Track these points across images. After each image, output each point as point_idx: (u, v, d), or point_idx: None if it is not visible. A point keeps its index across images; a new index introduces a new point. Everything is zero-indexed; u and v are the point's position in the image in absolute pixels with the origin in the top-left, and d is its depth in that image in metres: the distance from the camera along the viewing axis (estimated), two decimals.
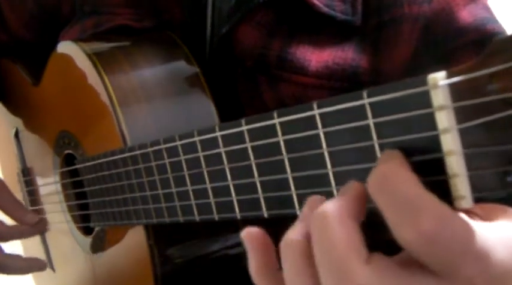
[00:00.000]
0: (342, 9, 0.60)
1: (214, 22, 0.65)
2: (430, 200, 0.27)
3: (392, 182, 0.28)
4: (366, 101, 0.31)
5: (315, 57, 0.60)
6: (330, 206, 0.30)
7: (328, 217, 0.30)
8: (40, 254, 0.87)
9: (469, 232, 0.27)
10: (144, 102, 0.61)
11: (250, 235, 0.35)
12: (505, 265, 0.28)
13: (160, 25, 0.67)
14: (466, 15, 0.59)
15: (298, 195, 0.37)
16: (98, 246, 0.70)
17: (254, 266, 0.35)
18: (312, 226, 0.31)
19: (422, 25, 0.59)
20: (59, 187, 0.76)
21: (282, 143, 0.36)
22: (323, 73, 0.60)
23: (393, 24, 0.59)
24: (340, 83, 0.60)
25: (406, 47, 0.59)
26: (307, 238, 0.31)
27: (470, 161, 0.27)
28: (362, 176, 0.32)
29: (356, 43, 0.60)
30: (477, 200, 0.28)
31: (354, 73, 0.60)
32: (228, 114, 0.62)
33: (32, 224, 0.73)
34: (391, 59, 0.60)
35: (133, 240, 0.62)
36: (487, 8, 0.61)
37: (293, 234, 0.32)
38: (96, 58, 0.63)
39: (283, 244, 0.32)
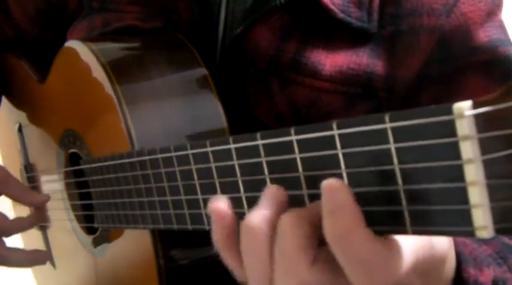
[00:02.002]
0: (357, 16, 0.60)
1: (227, 23, 0.65)
2: (381, 258, 0.33)
3: (350, 242, 0.33)
4: (388, 125, 0.31)
5: (329, 62, 0.60)
6: (290, 214, 0.36)
7: (288, 221, 0.36)
8: None
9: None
10: (152, 102, 0.61)
11: (216, 209, 0.40)
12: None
13: (169, 25, 0.67)
14: (482, 35, 0.59)
15: None
16: (100, 246, 0.70)
17: (218, 237, 0.41)
18: (278, 226, 0.36)
19: (438, 37, 0.59)
20: (62, 185, 0.76)
21: (298, 160, 0.36)
22: (337, 78, 0.60)
23: (411, 34, 0.60)
24: (354, 88, 0.60)
25: (421, 56, 0.60)
26: (270, 228, 0.37)
27: (493, 193, 0.27)
28: (381, 198, 0.32)
29: (371, 49, 0.61)
30: (499, 231, 0.28)
31: (368, 80, 0.60)
32: (236, 116, 0.62)
33: (43, 205, 0.74)
34: (406, 67, 0.60)
35: (138, 241, 0.62)
36: (502, 27, 0.62)
37: (256, 219, 0.37)
38: (105, 59, 0.62)
39: (246, 224, 0.38)
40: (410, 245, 0.35)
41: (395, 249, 0.34)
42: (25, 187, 0.76)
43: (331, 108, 0.61)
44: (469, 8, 0.60)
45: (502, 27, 0.62)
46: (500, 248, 0.51)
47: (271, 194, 0.38)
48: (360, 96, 0.61)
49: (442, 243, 0.40)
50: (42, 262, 0.76)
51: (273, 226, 0.37)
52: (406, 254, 0.35)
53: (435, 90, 0.61)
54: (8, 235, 0.72)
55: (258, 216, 0.37)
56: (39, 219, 0.75)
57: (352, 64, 0.60)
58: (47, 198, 0.74)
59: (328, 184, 0.33)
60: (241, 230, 0.38)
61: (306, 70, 0.61)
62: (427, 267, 0.38)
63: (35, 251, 0.75)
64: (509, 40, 0.62)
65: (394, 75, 0.61)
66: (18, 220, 0.74)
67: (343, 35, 0.61)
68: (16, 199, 0.74)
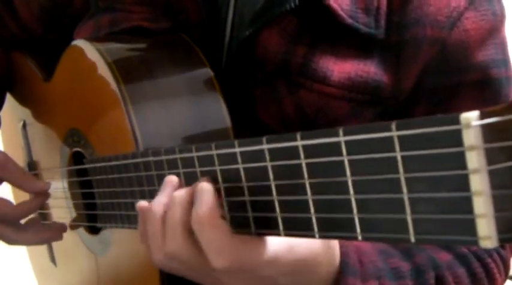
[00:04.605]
0: (365, 22, 0.60)
1: (234, 25, 0.65)
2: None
3: (206, 229, 0.44)
4: (394, 134, 0.31)
5: (337, 68, 0.60)
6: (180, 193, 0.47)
7: (175, 204, 0.47)
8: (42, 249, 0.87)
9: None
10: (156, 103, 0.61)
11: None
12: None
13: (176, 26, 0.67)
14: (480, 53, 0.60)
15: (317, 218, 0.37)
16: (102, 246, 0.70)
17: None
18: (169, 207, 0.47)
19: (438, 49, 0.60)
20: (65, 184, 0.76)
21: (304, 166, 0.37)
22: (345, 85, 0.60)
23: (414, 44, 0.60)
24: (362, 96, 0.60)
25: (419, 66, 0.60)
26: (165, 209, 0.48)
27: (498, 203, 0.28)
28: (385, 205, 0.32)
29: (378, 57, 0.61)
30: (503, 240, 0.28)
31: (376, 88, 0.60)
32: (241, 118, 0.62)
33: (44, 192, 0.72)
34: (409, 77, 0.60)
35: (140, 241, 0.62)
36: (502, 45, 0.62)
37: (157, 206, 0.48)
38: (110, 58, 0.63)
39: (146, 209, 0.50)
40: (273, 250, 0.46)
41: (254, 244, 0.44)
42: (26, 173, 0.74)
43: (338, 113, 0.61)
44: (472, 25, 0.60)
45: (502, 44, 0.62)
46: (424, 262, 0.56)
47: (167, 182, 0.49)
48: (367, 103, 0.61)
49: (307, 249, 0.47)
50: (57, 238, 0.74)
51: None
52: (268, 252, 0.45)
53: (427, 103, 0.62)
54: (14, 220, 0.70)
55: (159, 204, 0.49)
56: (40, 203, 0.73)
57: (360, 72, 0.60)
58: (48, 185, 0.72)
59: (200, 185, 0.45)
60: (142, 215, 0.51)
61: (315, 75, 0.61)
62: (291, 269, 0.47)
63: (50, 225, 0.75)
64: (506, 60, 0.62)
65: (400, 85, 0.61)
66: (21, 204, 0.72)
67: (350, 41, 0.61)
68: (16, 185, 0.72)
